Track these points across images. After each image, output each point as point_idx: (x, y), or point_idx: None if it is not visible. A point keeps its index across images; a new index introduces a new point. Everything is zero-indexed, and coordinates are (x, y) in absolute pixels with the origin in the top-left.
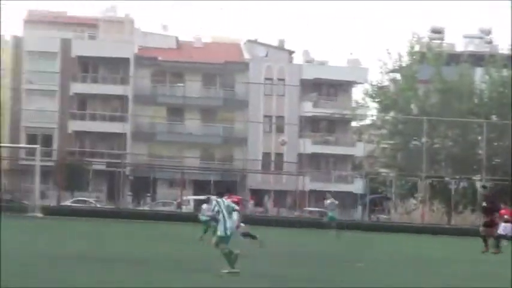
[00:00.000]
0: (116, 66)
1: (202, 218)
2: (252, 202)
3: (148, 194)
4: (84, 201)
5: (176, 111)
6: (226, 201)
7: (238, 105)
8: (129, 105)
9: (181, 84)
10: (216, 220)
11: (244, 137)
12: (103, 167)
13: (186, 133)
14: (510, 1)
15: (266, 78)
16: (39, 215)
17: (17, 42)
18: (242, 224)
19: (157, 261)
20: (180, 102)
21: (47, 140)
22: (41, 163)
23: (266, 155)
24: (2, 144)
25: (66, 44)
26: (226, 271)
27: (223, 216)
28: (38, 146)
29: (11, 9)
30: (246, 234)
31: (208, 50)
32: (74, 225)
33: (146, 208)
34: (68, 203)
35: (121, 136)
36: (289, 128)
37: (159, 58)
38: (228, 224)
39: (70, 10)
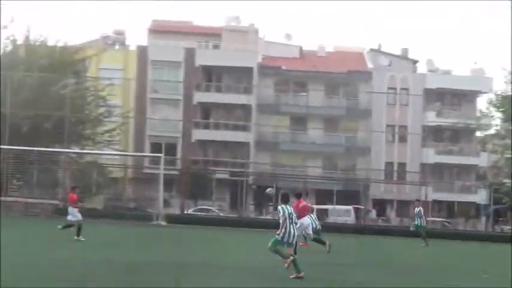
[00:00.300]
0: (239, 76)
1: None
2: (374, 212)
3: (271, 203)
4: (208, 210)
5: (299, 121)
6: (290, 208)
7: (361, 114)
8: (253, 114)
9: (305, 94)
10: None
11: (367, 147)
12: (226, 176)
13: (309, 142)
14: (510, 1)
15: (389, 88)
16: (163, 223)
17: (142, 51)
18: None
19: (276, 268)
20: (303, 111)
21: (170, 149)
22: (165, 172)
23: (389, 165)
24: (126, 153)
25: (190, 54)
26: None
27: (288, 223)
28: (162, 154)
29: (136, 19)
30: (316, 240)
31: (332, 59)
32: (197, 234)
33: (268, 217)
34: (190, 211)
35: (244, 145)
36: (412, 138)
37: (283, 67)
38: (291, 231)
39: (195, 20)
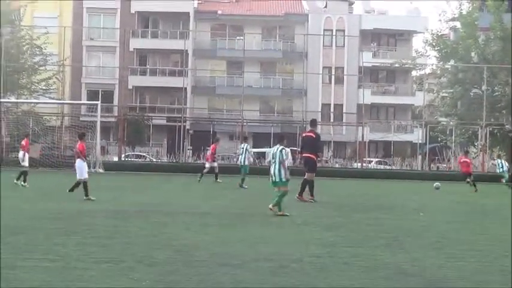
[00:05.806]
0: (175, 21)
1: None
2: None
3: (208, 148)
4: (141, 156)
5: (236, 65)
6: (275, 148)
7: (298, 57)
8: (189, 60)
9: (241, 38)
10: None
11: (304, 89)
12: (163, 122)
13: (246, 86)
14: (509, 1)
15: (325, 30)
16: (101, 170)
17: None
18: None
19: (215, 211)
20: (240, 55)
21: (107, 96)
22: (102, 119)
23: (326, 106)
24: (63, 101)
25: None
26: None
27: (272, 163)
28: (99, 102)
29: None
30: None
31: (268, 3)
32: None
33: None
34: (123, 157)
35: (181, 90)
36: (349, 79)
37: (219, 12)
38: (272, 170)
39: None
